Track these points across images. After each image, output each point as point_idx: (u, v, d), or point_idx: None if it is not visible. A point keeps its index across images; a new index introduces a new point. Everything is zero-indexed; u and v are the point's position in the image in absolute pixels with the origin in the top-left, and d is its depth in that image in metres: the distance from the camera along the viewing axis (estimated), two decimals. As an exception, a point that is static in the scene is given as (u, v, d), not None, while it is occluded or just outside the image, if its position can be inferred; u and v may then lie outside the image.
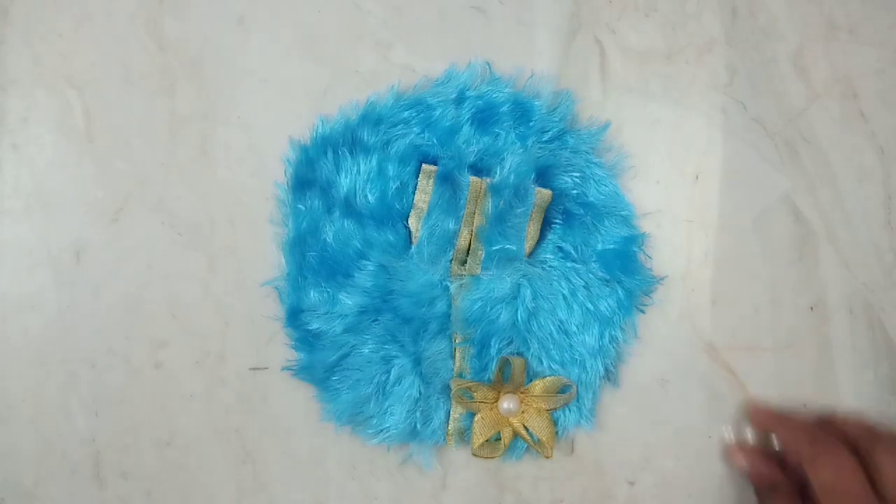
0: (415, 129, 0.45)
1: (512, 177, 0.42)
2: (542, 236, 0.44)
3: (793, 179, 0.45)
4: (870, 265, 0.45)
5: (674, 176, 0.46)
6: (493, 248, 0.43)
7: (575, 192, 0.44)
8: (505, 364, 0.43)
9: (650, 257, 0.45)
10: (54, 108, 0.47)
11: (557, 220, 0.44)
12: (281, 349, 0.45)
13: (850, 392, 0.45)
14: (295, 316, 0.44)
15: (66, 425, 0.46)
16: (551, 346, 0.44)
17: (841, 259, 0.45)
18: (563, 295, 0.44)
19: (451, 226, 0.43)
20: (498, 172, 0.43)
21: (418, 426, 0.44)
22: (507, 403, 0.43)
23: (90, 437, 0.46)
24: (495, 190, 0.42)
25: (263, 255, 0.46)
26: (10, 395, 0.46)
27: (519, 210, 0.43)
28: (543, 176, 0.44)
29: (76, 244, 0.46)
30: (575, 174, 0.44)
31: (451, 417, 0.44)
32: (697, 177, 0.46)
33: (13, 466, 0.45)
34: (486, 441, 0.43)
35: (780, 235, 0.45)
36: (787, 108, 0.46)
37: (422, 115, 0.45)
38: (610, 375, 0.45)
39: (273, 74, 0.47)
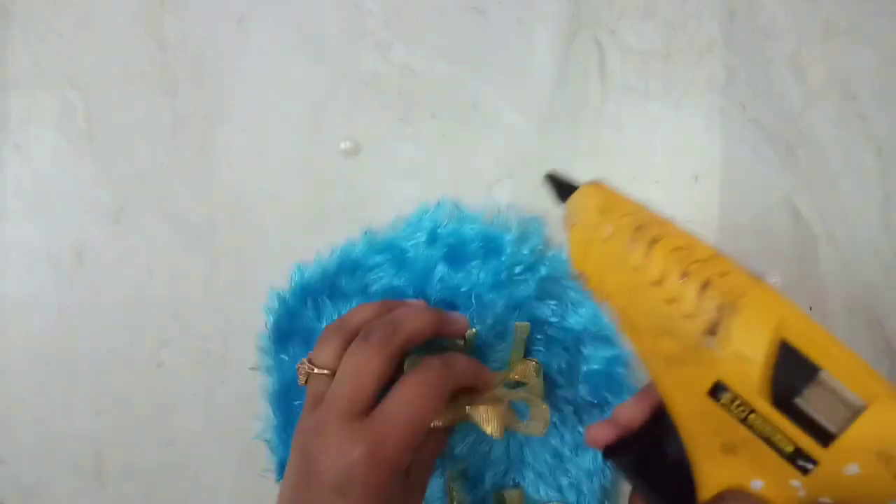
0: (390, 271, 0.44)
1: (489, 320, 0.42)
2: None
3: (792, 180, 0.45)
4: (870, 265, 0.45)
5: (674, 176, 0.46)
6: None
7: (554, 319, 0.43)
8: (501, 500, 0.42)
9: (637, 375, 0.44)
10: (55, 108, 0.47)
11: (540, 348, 0.43)
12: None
13: (849, 392, 0.45)
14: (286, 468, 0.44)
15: (67, 425, 0.46)
16: (547, 473, 0.43)
17: (841, 259, 0.45)
18: (554, 423, 0.43)
19: None
20: (478, 322, 0.42)
21: None
22: None
23: (91, 436, 0.46)
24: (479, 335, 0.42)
25: (263, 255, 0.46)
26: (12, 395, 0.46)
27: (500, 346, 0.42)
28: (521, 307, 0.43)
29: (76, 244, 0.46)
30: (551, 302, 0.43)
31: None
32: (697, 177, 0.46)
33: (14, 466, 0.46)
34: None
35: (779, 235, 0.45)
36: (786, 108, 0.46)
37: (396, 257, 0.44)
38: (608, 495, 0.44)
39: (273, 74, 0.47)
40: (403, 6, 0.47)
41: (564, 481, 0.43)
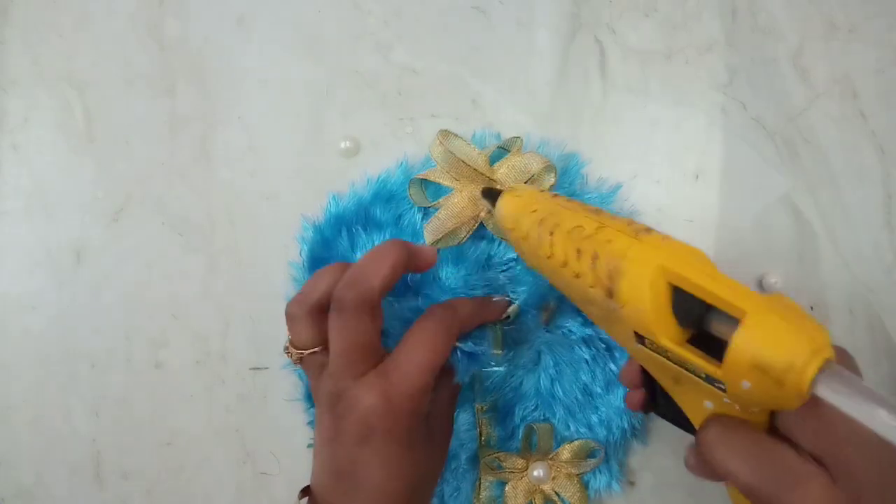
0: None
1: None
2: (561, 303, 0.43)
3: (793, 179, 0.45)
4: (870, 265, 0.45)
5: (674, 176, 0.46)
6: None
7: None
8: (531, 432, 0.42)
9: None
10: (54, 108, 0.47)
11: None
12: (280, 349, 0.45)
13: (850, 392, 0.45)
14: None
15: (66, 425, 0.46)
16: (577, 410, 0.43)
17: (841, 259, 0.45)
18: (586, 360, 0.43)
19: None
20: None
21: (446, 498, 0.43)
22: (537, 471, 0.42)
23: (90, 437, 0.46)
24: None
25: (263, 255, 0.46)
26: (11, 395, 0.46)
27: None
28: None
29: (76, 244, 0.46)
30: None
31: (481, 487, 0.43)
32: (697, 177, 0.46)
33: (13, 466, 0.45)
34: None
35: (780, 235, 0.45)
36: (787, 107, 0.46)
37: (432, 188, 0.44)
38: (637, 433, 0.44)
39: (273, 74, 0.47)
40: (403, 6, 0.47)
41: (594, 418, 0.43)
